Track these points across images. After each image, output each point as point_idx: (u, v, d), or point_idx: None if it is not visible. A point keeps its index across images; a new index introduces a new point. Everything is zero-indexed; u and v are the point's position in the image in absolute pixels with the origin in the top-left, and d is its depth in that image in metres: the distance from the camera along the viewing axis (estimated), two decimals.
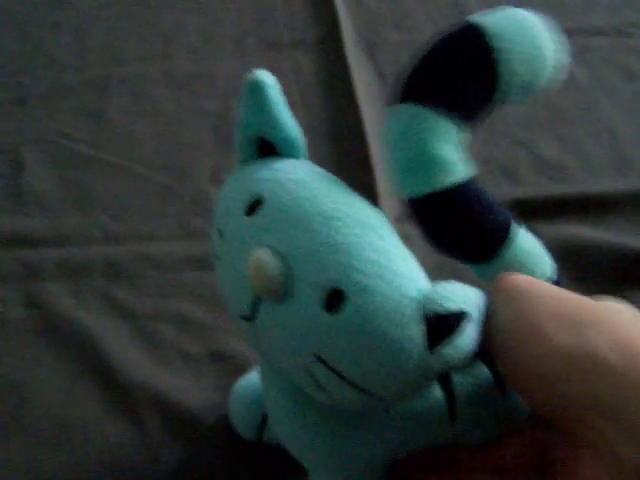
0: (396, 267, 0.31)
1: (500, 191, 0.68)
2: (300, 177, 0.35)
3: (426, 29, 0.88)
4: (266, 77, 0.36)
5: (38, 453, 0.50)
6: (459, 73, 0.33)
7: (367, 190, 0.68)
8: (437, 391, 0.37)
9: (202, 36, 0.88)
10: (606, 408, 0.30)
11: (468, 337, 0.30)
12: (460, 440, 0.40)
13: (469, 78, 0.33)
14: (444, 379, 0.37)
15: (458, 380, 0.37)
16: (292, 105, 0.77)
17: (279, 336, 0.33)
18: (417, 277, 0.31)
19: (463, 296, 0.31)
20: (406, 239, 0.61)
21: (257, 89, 0.36)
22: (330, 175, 0.36)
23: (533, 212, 0.66)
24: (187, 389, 0.54)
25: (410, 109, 0.33)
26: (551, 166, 0.71)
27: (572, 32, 0.86)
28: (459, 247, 0.36)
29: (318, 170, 0.36)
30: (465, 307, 0.30)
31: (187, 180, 0.70)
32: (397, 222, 0.62)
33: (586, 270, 0.62)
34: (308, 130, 0.73)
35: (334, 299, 0.31)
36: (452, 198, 0.34)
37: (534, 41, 0.33)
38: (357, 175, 0.69)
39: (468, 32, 0.33)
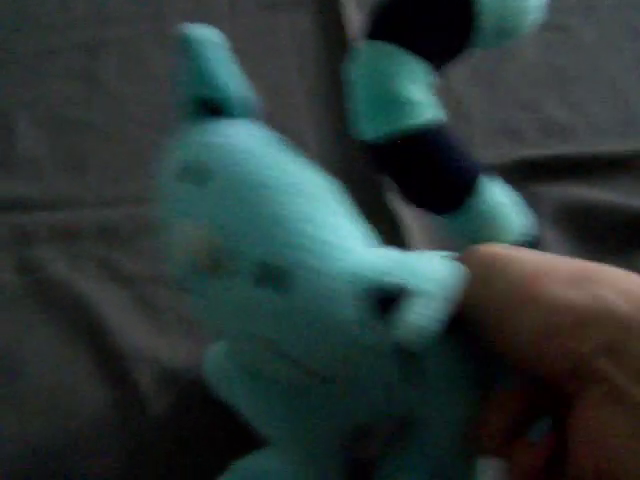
0: (338, 240, 0.29)
1: (504, 151, 0.66)
2: (241, 142, 0.33)
3: None
4: (203, 31, 0.34)
5: (31, 421, 0.49)
6: (432, 12, 0.31)
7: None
8: (390, 359, 0.35)
9: None
10: (620, 355, 0.29)
11: (416, 313, 0.28)
12: (422, 413, 0.38)
13: (443, 18, 0.31)
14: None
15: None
16: (289, 67, 0.76)
17: (217, 310, 0.32)
18: (361, 250, 0.30)
19: (412, 270, 0.29)
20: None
21: (189, 46, 0.34)
22: (277, 139, 0.34)
23: (538, 172, 0.64)
24: (180, 350, 0.53)
25: (376, 45, 0.31)
26: (556, 126, 0.70)
27: None
28: (422, 194, 0.34)
29: (261, 133, 0.34)
30: (413, 282, 0.28)
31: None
32: None
33: (591, 230, 0.61)
34: (305, 92, 0.73)
35: (272, 275, 0.29)
36: (415, 141, 0.32)
37: None
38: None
39: None
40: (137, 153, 0.68)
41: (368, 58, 0.32)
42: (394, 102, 0.32)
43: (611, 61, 0.76)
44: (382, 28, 0.32)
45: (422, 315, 0.29)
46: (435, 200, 0.34)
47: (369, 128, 0.33)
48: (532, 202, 0.60)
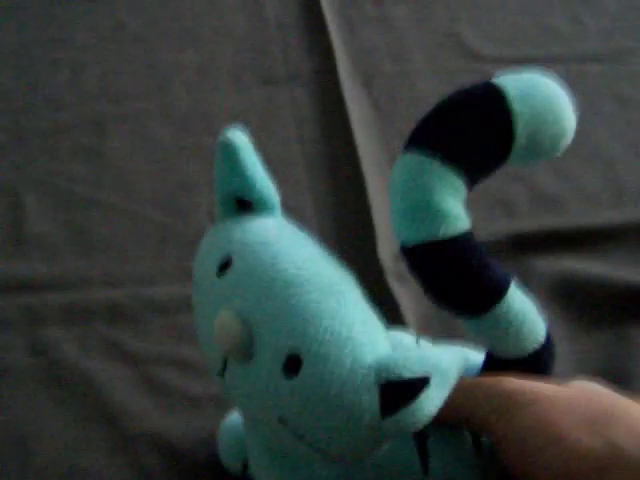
0: (352, 334, 0.31)
1: (497, 224, 0.68)
2: (267, 238, 0.35)
3: (422, 60, 0.89)
4: (238, 138, 0.37)
5: None
6: (474, 130, 0.33)
7: (364, 226, 0.68)
8: (412, 448, 0.38)
9: (199, 72, 0.88)
10: None
11: (424, 403, 0.31)
12: None
13: (484, 137, 0.33)
14: (420, 436, 0.38)
15: (434, 437, 0.38)
16: (288, 139, 0.78)
17: (243, 394, 0.34)
18: (375, 342, 0.32)
19: (423, 362, 0.31)
20: (403, 279, 0.62)
21: (230, 151, 0.37)
22: (299, 234, 0.37)
23: (530, 245, 0.66)
24: (188, 429, 0.54)
25: (419, 157, 0.33)
26: (547, 198, 0.72)
27: (566, 59, 0.88)
28: (450, 299, 0.36)
29: (288, 229, 0.37)
30: (423, 374, 0.31)
31: (186, 219, 0.70)
32: (395, 261, 0.63)
33: (584, 304, 0.62)
34: (304, 164, 0.75)
35: (292, 364, 0.31)
36: (449, 249, 0.34)
37: (553, 109, 0.34)
38: (354, 212, 0.70)
39: (489, 91, 0.33)
40: (144, 232, 0.69)
41: (412, 168, 0.34)
42: (432, 212, 0.33)
43: (600, 131, 0.78)
44: (426, 140, 0.33)
45: (433, 403, 0.31)
46: (464, 305, 0.36)
47: (409, 234, 0.34)
48: (526, 275, 0.63)
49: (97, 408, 0.55)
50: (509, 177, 0.73)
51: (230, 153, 0.36)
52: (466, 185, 0.34)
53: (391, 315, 0.59)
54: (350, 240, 0.67)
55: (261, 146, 0.75)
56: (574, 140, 0.75)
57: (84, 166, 0.76)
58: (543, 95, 0.33)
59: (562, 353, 0.57)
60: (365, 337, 0.32)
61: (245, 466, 0.47)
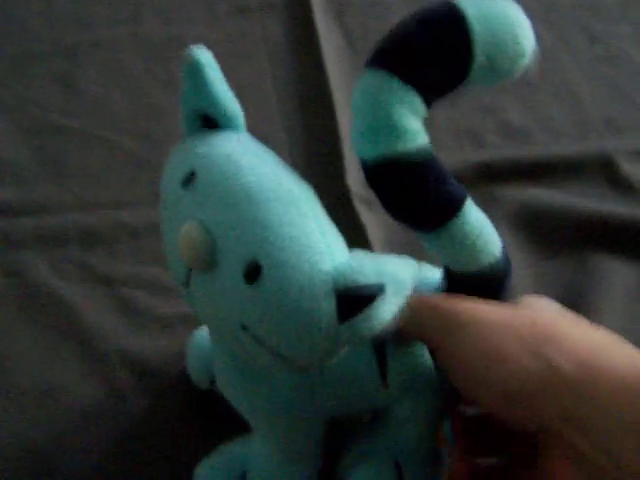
0: (311, 242, 0.33)
1: (464, 155, 0.70)
2: (231, 152, 0.36)
3: None
4: (203, 56, 0.37)
5: (18, 421, 0.52)
6: (433, 49, 0.34)
7: (333, 154, 0.69)
8: (371, 357, 0.40)
9: (172, 0, 0.87)
10: (573, 420, 0.32)
11: (380, 309, 0.32)
12: (393, 407, 0.43)
13: (443, 56, 0.34)
14: (378, 346, 0.39)
15: (392, 348, 0.40)
16: (260, 68, 0.78)
17: (209, 304, 0.35)
18: (333, 251, 0.33)
19: (378, 270, 0.32)
20: (371, 204, 0.63)
21: (194, 68, 0.37)
22: (261, 148, 0.38)
23: (496, 176, 0.68)
24: (159, 348, 0.56)
25: (380, 75, 0.34)
26: (515, 130, 0.73)
27: None
28: (408, 214, 0.37)
29: (251, 144, 0.38)
30: (378, 281, 0.32)
31: (158, 146, 0.70)
32: (363, 188, 0.64)
33: (546, 232, 0.64)
34: (276, 93, 0.76)
35: (253, 271, 0.32)
36: (408, 164, 0.35)
37: (512, 29, 0.34)
38: (324, 140, 0.71)
39: (448, 11, 0.34)
40: (114, 157, 0.70)
41: (373, 86, 0.34)
42: (394, 128, 0.34)
43: (568, 65, 0.79)
44: (387, 60, 0.34)
45: (389, 310, 0.33)
46: (420, 219, 0.37)
47: (369, 149, 0.35)
48: (490, 204, 0.65)
49: (70, 328, 0.57)
50: (478, 109, 0.75)
51: (195, 70, 0.37)
52: (425, 103, 0.35)
53: (357, 239, 0.61)
54: (320, 167, 0.68)
55: (233, 75, 0.75)
56: (542, 74, 0.77)
57: (56, 93, 0.76)
58: (502, 15, 0.34)
59: (523, 278, 0.60)
60: (323, 245, 0.33)
61: (212, 381, 0.48)
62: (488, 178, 0.67)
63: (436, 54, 0.34)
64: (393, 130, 0.34)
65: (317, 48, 0.80)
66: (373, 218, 0.63)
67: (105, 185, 0.68)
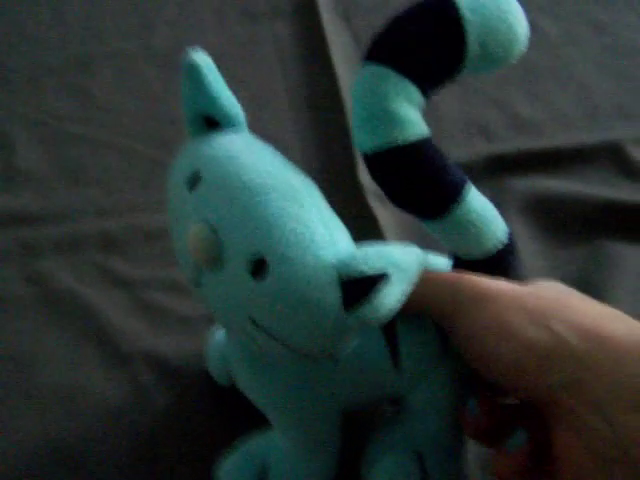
0: (314, 235, 0.33)
1: (475, 148, 0.71)
2: (233, 152, 0.37)
3: None
4: (201, 58, 0.38)
5: (45, 421, 0.53)
6: (427, 40, 0.34)
7: (345, 154, 0.70)
8: (382, 345, 0.40)
9: (181, 9, 0.89)
10: (578, 391, 0.33)
11: (386, 297, 0.33)
12: (407, 396, 0.43)
13: (436, 46, 0.34)
14: (389, 334, 0.40)
15: (403, 335, 0.40)
16: (271, 74, 0.79)
17: (219, 301, 0.36)
18: (337, 243, 0.34)
19: (382, 258, 0.33)
20: (384, 199, 0.64)
21: (193, 71, 0.38)
22: (264, 147, 0.38)
23: (507, 167, 0.68)
24: (180, 346, 0.57)
25: (374, 68, 0.35)
26: (524, 122, 0.74)
27: None
28: (410, 202, 0.38)
29: (254, 143, 0.38)
30: (382, 269, 0.32)
31: (172, 151, 0.70)
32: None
33: (558, 220, 0.64)
34: (287, 97, 0.77)
35: (259, 267, 0.33)
36: (407, 154, 0.36)
37: (505, 16, 0.34)
38: (335, 139, 0.72)
39: (441, 2, 0.34)
40: (130, 164, 0.71)
41: (370, 79, 0.35)
42: (392, 119, 0.35)
43: (576, 56, 0.80)
44: (382, 52, 0.35)
45: (395, 298, 0.33)
46: (423, 207, 0.38)
47: (368, 141, 0.36)
48: (502, 195, 0.65)
49: (93, 330, 0.58)
50: (487, 102, 0.75)
51: (194, 73, 0.38)
52: (422, 93, 0.35)
53: (372, 235, 0.62)
54: (332, 166, 0.69)
55: (244, 80, 0.78)
56: (550, 65, 0.78)
57: (71, 104, 0.78)
58: (495, 3, 0.34)
59: (537, 267, 0.60)
60: (327, 237, 0.33)
61: (232, 378, 0.50)
62: (499, 170, 0.68)
63: (429, 44, 0.34)
64: (390, 121, 0.35)
65: (326, 50, 0.81)
66: (387, 213, 0.64)
67: (121, 191, 0.69)
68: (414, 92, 0.35)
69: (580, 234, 0.64)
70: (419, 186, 0.37)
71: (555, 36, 0.82)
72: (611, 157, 0.69)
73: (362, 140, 0.36)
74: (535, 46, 0.79)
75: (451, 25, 0.34)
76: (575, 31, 0.83)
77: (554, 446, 0.35)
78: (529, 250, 0.62)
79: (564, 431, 0.34)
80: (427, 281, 0.37)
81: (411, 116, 0.35)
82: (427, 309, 0.38)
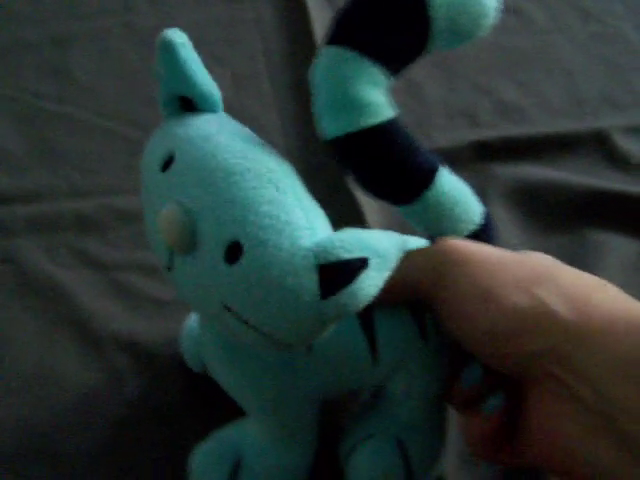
0: (291, 218, 0.32)
1: (460, 134, 0.70)
2: (208, 132, 0.36)
3: None
4: (176, 36, 0.36)
5: (16, 407, 0.52)
6: (388, 19, 0.33)
7: None
8: (359, 334, 0.39)
9: None
10: (563, 359, 0.32)
11: (364, 284, 0.32)
12: (385, 383, 0.42)
13: (399, 25, 0.33)
14: (366, 322, 0.39)
15: (380, 323, 0.39)
16: (253, 54, 0.78)
17: (191, 285, 0.35)
18: (314, 227, 0.33)
19: (361, 244, 0.32)
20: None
21: (168, 49, 0.36)
22: (239, 128, 0.37)
23: (492, 154, 0.68)
24: (154, 330, 0.56)
25: (335, 51, 0.34)
26: (510, 109, 0.73)
27: None
28: (381, 188, 0.37)
29: (229, 124, 0.37)
30: (361, 255, 0.32)
31: (151, 132, 0.69)
32: None
33: (542, 208, 0.64)
34: (270, 78, 0.75)
35: (234, 251, 0.32)
36: (373, 139, 0.35)
37: None
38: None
39: None
40: (108, 145, 0.70)
41: (330, 63, 0.34)
42: (354, 103, 0.34)
43: (562, 43, 0.79)
44: (342, 34, 0.34)
45: (374, 284, 0.32)
46: (394, 192, 0.37)
47: (331, 127, 0.35)
48: (486, 182, 0.65)
49: (66, 313, 0.57)
50: (472, 88, 0.75)
51: (169, 51, 0.36)
52: (387, 74, 0.34)
53: (353, 218, 0.61)
54: (314, 150, 0.68)
55: (227, 61, 0.76)
56: (536, 52, 0.77)
57: (49, 82, 0.76)
58: None
59: None
60: (304, 222, 0.32)
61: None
62: (484, 157, 0.67)
63: (391, 23, 0.33)
64: (353, 105, 0.34)
65: (309, 31, 0.79)
66: (371, 201, 0.63)
67: (99, 172, 0.67)
68: (377, 73, 0.34)
69: (565, 222, 0.63)
70: (387, 172, 0.36)
71: (541, 23, 0.81)
72: (597, 145, 0.69)
73: (326, 125, 0.35)
74: (521, 32, 0.80)
75: (413, 2, 0.33)
76: (562, 18, 0.82)
77: (529, 416, 0.35)
78: (512, 236, 0.62)
79: (546, 399, 0.34)
80: (412, 254, 0.37)
81: (375, 98, 0.34)
82: (411, 282, 0.37)
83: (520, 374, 0.35)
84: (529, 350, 0.33)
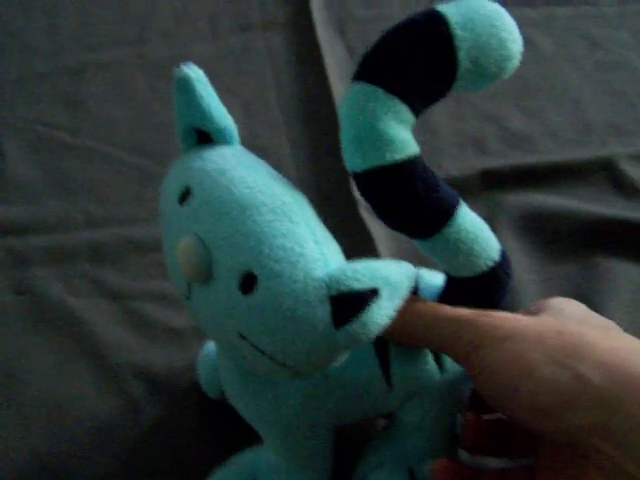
0: (304, 251, 0.33)
1: (468, 163, 0.70)
2: (223, 166, 0.37)
3: (395, 4, 0.90)
4: (192, 71, 0.37)
5: (32, 435, 0.52)
6: (416, 58, 0.33)
7: (338, 167, 0.68)
8: (374, 362, 0.40)
9: (175, 19, 0.89)
10: (606, 432, 0.32)
11: (376, 313, 0.32)
12: (399, 412, 0.43)
13: (426, 64, 0.34)
14: (381, 350, 0.40)
15: (395, 351, 0.40)
16: (264, 84, 0.79)
17: (207, 314, 0.36)
18: (327, 258, 0.33)
19: (372, 274, 0.33)
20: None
21: (184, 85, 0.37)
22: (254, 160, 0.38)
23: (500, 182, 0.68)
24: (170, 359, 0.56)
25: (365, 88, 0.34)
26: (518, 137, 0.74)
27: (536, 1, 0.89)
28: (401, 222, 0.37)
29: (245, 157, 0.38)
30: (372, 284, 0.32)
31: (163, 162, 0.70)
32: None
33: (551, 236, 0.64)
34: (281, 108, 0.76)
35: (248, 282, 0.33)
36: (398, 174, 0.35)
37: (496, 32, 0.34)
38: (329, 153, 0.71)
39: (431, 18, 0.33)
40: (122, 175, 0.71)
41: (359, 98, 0.34)
42: (382, 139, 0.34)
43: (569, 71, 0.80)
44: (370, 72, 0.34)
45: (385, 314, 0.33)
46: (414, 227, 0.37)
47: (358, 160, 0.35)
48: (495, 210, 0.65)
49: (82, 342, 0.57)
50: (480, 117, 0.75)
51: (186, 87, 0.37)
52: (413, 111, 0.35)
53: (366, 250, 0.62)
54: (326, 180, 0.69)
55: (238, 91, 0.77)
56: (544, 81, 0.78)
57: (63, 112, 0.77)
58: (486, 18, 0.34)
59: (530, 283, 0.60)
60: (317, 253, 0.33)
61: (223, 391, 0.49)
62: (492, 185, 0.68)
63: (419, 63, 0.34)
64: (380, 141, 0.34)
65: (320, 62, 0.80)
66: (381, 228, 0.63)
67: (113, 202, 0.68)
68: (404, 111, 0.34)
69: (573, 250, 0.63)
70: (409, 206, 0.36)
71: (549, 51, 0.82)
72: (604, 173, 0.69)
73: (351, 160, 0.36)
74: (529, 61, 0.79)
75: (441, 42, 0.33)
76: (569, 47, 0.83)
77: None
78: (521, 265, 0.62)
79: (590, 472, 0.33)
80: (445, 320, 0.37)
81: (401, 135, 0.35)
82: (446, 348, 0.37)
83: (563, 444, 0.35)
84: (569, 424, 0.33)
